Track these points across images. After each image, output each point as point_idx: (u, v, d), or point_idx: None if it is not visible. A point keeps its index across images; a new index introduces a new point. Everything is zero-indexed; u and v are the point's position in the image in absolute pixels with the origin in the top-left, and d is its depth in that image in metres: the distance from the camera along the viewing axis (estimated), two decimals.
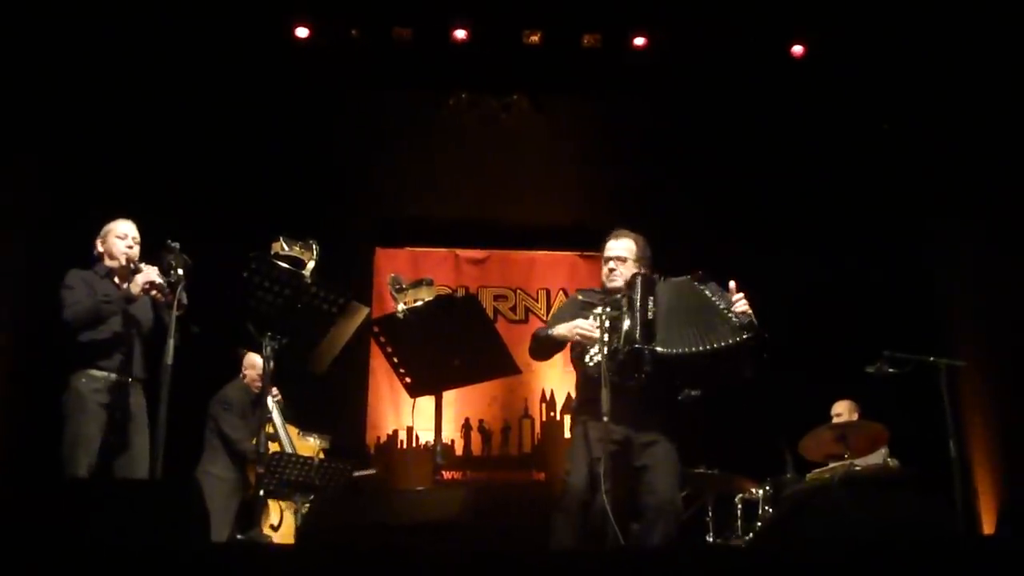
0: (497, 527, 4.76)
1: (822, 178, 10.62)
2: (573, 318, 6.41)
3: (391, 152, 10.86)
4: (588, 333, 6.22)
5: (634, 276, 6.36)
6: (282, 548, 7.26)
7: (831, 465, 8.56)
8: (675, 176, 10.71)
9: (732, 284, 6.36)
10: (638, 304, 6.13)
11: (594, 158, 11.04)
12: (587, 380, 6.30)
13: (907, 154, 10.63)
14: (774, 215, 10.67)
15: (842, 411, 8.96)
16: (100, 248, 6.98)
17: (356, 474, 8.72)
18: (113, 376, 6.68)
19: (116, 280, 6.89)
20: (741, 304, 6.26)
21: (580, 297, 6.81)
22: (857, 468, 8.16)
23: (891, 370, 7.98)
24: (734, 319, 6.19)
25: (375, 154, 10.85)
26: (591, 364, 6.22)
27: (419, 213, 11.60)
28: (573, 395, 6.82)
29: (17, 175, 9.65)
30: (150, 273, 6.64)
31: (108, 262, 6.92)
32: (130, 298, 6.74)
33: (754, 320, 6.25)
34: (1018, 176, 9.21)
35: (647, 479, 6.18)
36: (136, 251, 6.85)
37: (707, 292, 6.32)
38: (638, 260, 6.63)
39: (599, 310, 6.28)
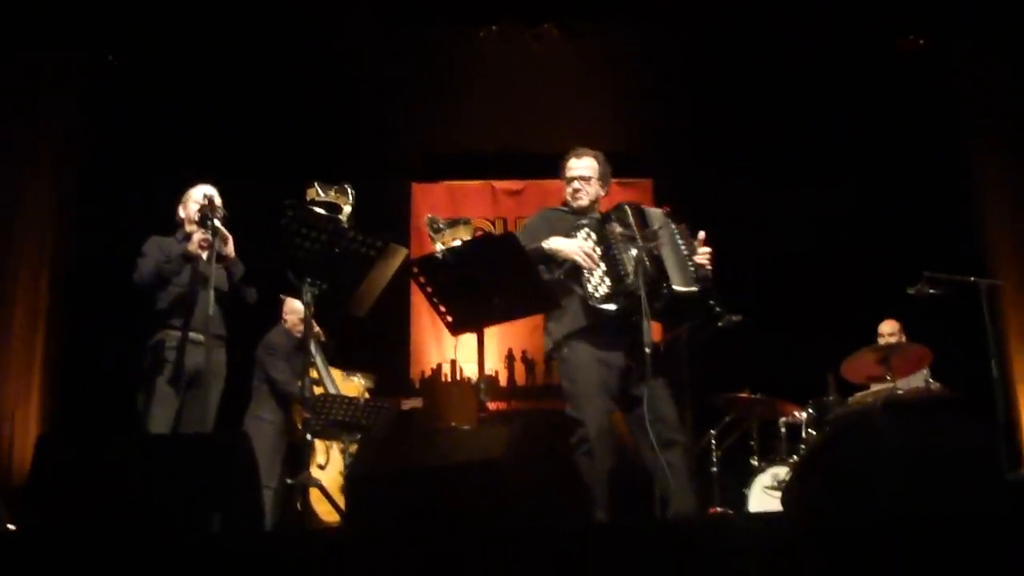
0: (541, 467, 4.78)
1: (865, 104, 10.51)
2: (551, 236, 6.33)
3: (424, 88, 10.84)
4: (591, 255, 6.16)
5: (624, 205, 6.34)
6: (325, 533, 7.35)
7: (873, 388, 8.57)
8: (710, 103, 10.64)
9: (701, 235, 6.34)
10: (639, 237, 6.11)
11: (626, 85, 10.96)
12: (584, 305, 6.24)
13: (945, 76, 10.52)
14: (813, 142, 10.57)
15: (890, 330, 8.94)
16: (181, 214, 7.10)
17: (403, 406, 8.78)
18: (185, 334, 6.74)
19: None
20: (703, 256, 6.26)
21: (552, 214, 6.74)
22: (899, 391, 8.16)
23: (932, 291, 7.94)
24: (691, 267, 6.21)
25: (408, 90, 10.83)
26: (597, 293, 6.16)
27: (454, 147, 11.62)
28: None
29: (59, 128, 9.80)
30: (203, 231, 6.74)
31: (188, 227, 7.02)
32: (188, 256, 6.82)
33: (709, 276, 6.25)
34: None
35: (652, 407, 6.04)
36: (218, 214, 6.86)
37: (676, 231, 6.32)
38: (601, 178, 6.62)
39: (583, 234, 6.27)
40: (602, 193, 6.64)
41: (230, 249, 6.64)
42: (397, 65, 10.65)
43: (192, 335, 6.74)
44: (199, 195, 6.94)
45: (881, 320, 8.98)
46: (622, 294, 6.06)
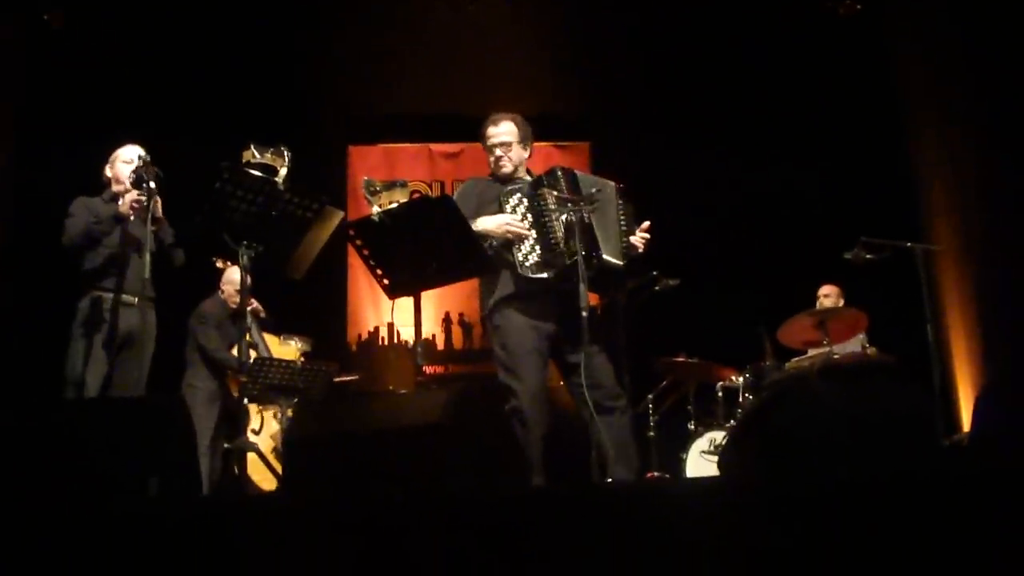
0: (479, 431, 4.77)
1: (803, 68, 10.53)
2: (479, 211, 6.29)
3: (361, 49, 10.76)
4: (519, 230, 6.12)
5: (556, 169, 6.32)
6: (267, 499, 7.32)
7: (810, 353, 8.64)
8: (648, 66, 10.63)
9: (646, 224, 6.36)
10: (569, 202, 6.09)
11: (564, 48, 10.94)
12: (514, 276, 6.20)
13: (882, 40, 10.57)
14: (752, 106, 10.58)
15: (827, 292, 9.01)
16: (108, 173, 7.00)
17: (338, 379, 8.77)
18: (118, 296, 6.70)
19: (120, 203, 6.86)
20: (638, 239, 6.28)
21: (476, 188, 6.65)
22: (836, 356, 8.22)
23: (868, 256, 7.98)
24: (623, 244, 6.22)
25: (343, 52, 10.75)
26: (527, 263, 6.12)
27: (391, 109, 11.56)
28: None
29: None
30: (134, 192, 6.63)
31: (115, 187, 6.93)
32: (119, 217, 6.72)
33: (635, 259, 6.29)
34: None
35: (589, 373, 6.05)
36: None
37: (620, 208, 6.32)
38: (522, 141, 6.53)
39: (514, 200, 6.24)
40: (525, 155, 6.54)
41: (159, 210, 6.55)
42: (333, 26, 10.57)
43: (125, 297, 6.70)
44: (127, 155, 6.88)
45: (819, 285, 9.04)
46: (552, 262, 6.04)
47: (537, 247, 6.10)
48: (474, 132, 11.35)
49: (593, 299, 6.28)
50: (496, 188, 6.44)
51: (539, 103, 10.91)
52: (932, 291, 8.20)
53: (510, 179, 6.45)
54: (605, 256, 6.06)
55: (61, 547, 3.53)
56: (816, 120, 10.54)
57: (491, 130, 6.56)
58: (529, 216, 6.16)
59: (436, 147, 11.81)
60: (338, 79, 10.92)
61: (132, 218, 6.73)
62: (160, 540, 3.56)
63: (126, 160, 6.86)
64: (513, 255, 6.18)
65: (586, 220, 6.07)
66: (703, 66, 10.53)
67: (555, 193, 6.15)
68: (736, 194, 10.12)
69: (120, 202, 6.77)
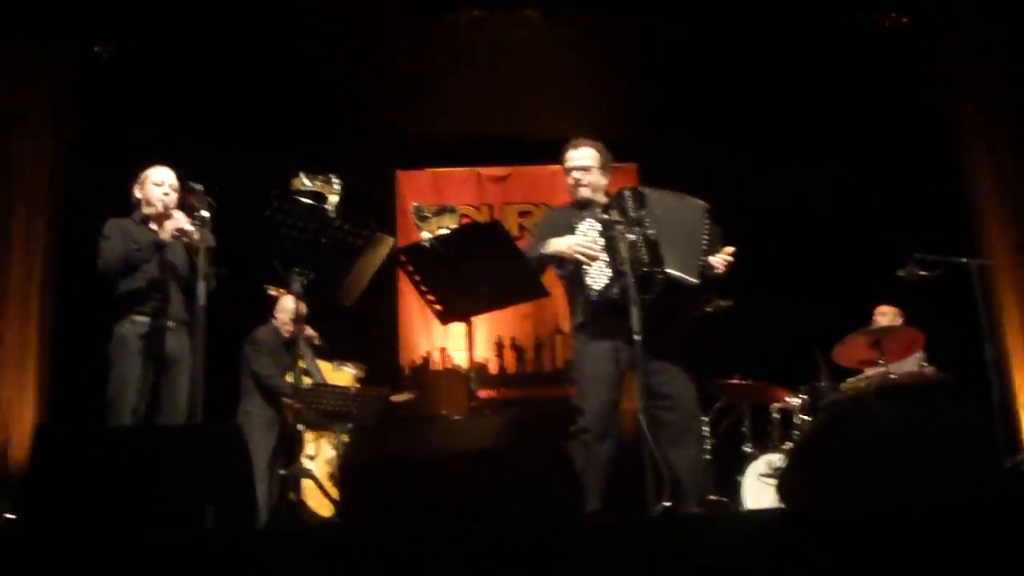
0: (533, 457, 4.75)
1: (853, 84, 10.46)
2: (556, 236, 6.33)
3: (408, 74, 10.76)
4: (588, 250, 6.15)
5: (623, 190, 6.29)
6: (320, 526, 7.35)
7: (866, 372, 8.56)
8: (695, 85, 10.57)
9: (730, 248, 6.34)
10: (635, 221, 6.07)
11: (609, 69, 10.89)
12: (587, 299, 6.25)
13: (932, 55, 10.50)
14: (801, 123, 10.51)
15: (886, 312, 8.93)
16: (138, 195, 6.96)
17: (393, 398, 8.78)
18: (153, 320, 6.69)
19: (152, 227, 6.85)
20: (718, 260, 6.26)
21: (555, 214, 6.76)
22: (892, 376, 8.14)
23: (922, 273, 7.92)
24: (700, 263, 6.20)
25: (391, 77, 10.75)
26: (595, 285, 6.15)
27: (438, 134, 11.55)
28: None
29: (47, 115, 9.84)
30: (179, 220, 6.64)
31: (145, 209, 6.89)
32: (160, 244, 6.71)
33: (713, 280, 6.30)
34: None
35: (666, 395, 6.14)
36: (173, 198, 6.82)
37: (705, 228, 6.30)
38: (602, 168, 6.56)
39: (585, 226, 6.25)
40: (603, 181, 6.55)
41: (211, 239, 6.51)
42: (380, 52, 10.59)
43: (162, 322, 6.68)
44: (158, 177, 6.88)
45: (872, 302, 8.97)
46: (619, 282, 6.02)
47: (606, 268, 6.09)
48: (521, 155, 11.50)
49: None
50: (571, 214, 6.48)
51: (587, 125, 10.80)
52: (989, 307, 8.11)
53: (587, 204, 6.45)
54: (669, 269, 6.02)
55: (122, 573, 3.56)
56: (866, 136, 10.46)
57: (571, 154, 6.60)
58: (600, 240, 6.15)
59: (484, 171, 11.81)
60: (385, 104, 10.93)
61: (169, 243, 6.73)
62: (217, 570, 3.57)
63: (156, 182, 6.86)
64: (582, 280, 6.22)
65: (651, 238, 6.05)
66: (750, 84, 10.47)
67: (616, 216, 6.13)
68: (787, 212, 10.06)
69: (159, 227, 6.76)
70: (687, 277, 6.10)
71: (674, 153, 10.64)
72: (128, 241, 6.76)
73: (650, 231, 6.06)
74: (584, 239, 6.19)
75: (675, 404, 6.14)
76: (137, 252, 6.70)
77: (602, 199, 6.48)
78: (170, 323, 6.73)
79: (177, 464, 4.53)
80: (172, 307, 6.75)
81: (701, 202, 6.39)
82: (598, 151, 6.57)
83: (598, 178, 6.52)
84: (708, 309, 7.53)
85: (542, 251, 6.34)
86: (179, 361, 6.72)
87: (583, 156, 6.55)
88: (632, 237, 6.02)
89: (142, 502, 4.33)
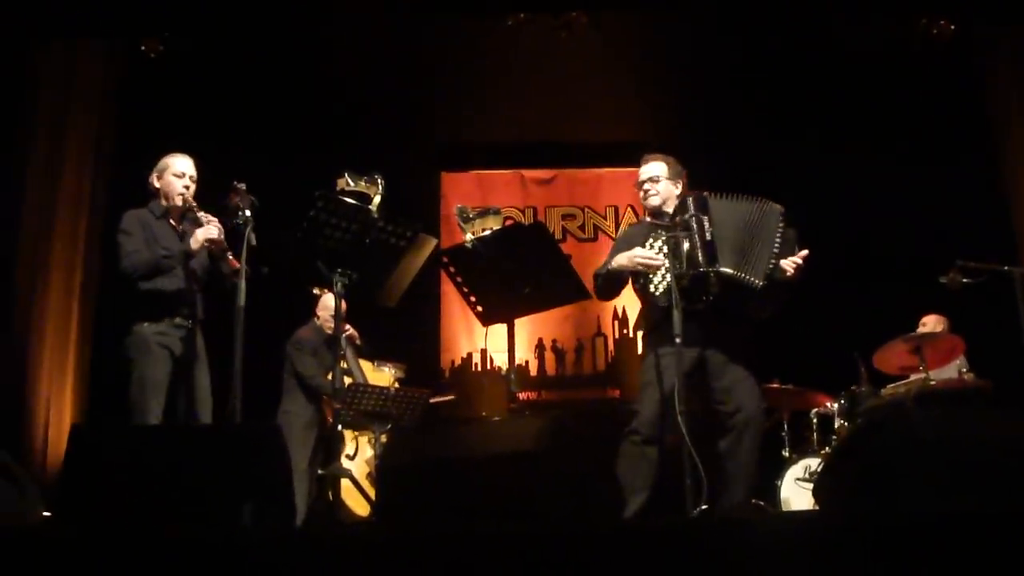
0: (571, 458, 4.78)
1: (895, 92, 10.43)
2: (628, 249, 6.38)
3: (453, 76, 10.79)
4: (649, 261, 6.20)
5: (684, 196, 6.39)
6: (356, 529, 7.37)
7: (906, 379, 8.53)
8: (740, 91, 10.56)
9: (804, 252, 6.35)
10: (695, 224, 6.13)
11: (654, 74, 10.88)
12: (653, 307, 6.31)
13: (975, 62, 10.48)
14: (844, 130, 10.46)
15: (927, 322, 8.90)
16: (156, 184, 6.82)
17: (434, 400, 8.80)
18: (176, 320, 6.63)
19: (172, 222, 6.79)
20: (789, 263, 6.27)
21: (630, 230, 6.86)
22: (932, 382, 8.11)
23: (965, 280, 7.90)
24: (771, 266, 6.21)
25: (437, 79, 10.78)
26: (657, 292, 6.20)
27: (483, 136, 11.57)
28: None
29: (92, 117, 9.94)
30: (211, 231, 6.54)
31: (164, 202, 6.78)
32: (190, 254, 6.64)
33: (786, 283, 6.29)
34: None
35: (732, 396, 6.21)
36: (192, 191, 6.74)
37: (778, 231, 6.33)
38: (672, 179, 6.60)
39: (652, 239, 6.29)
40: (675, 191, 6.57)
41: (253, 239, 6.40)
42: (426, 54, 10.62)
43: (180, 321, 6.63)
44: (179, 168, 6.76)
45: (914, 308, 8.93)
46: (677, 285, 6.05)
47: (668, 275, 6.12)
48: (566, 158, 11.52)
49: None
50: (644, 229, 6.55)
51: (630, 130, 10.92)
52: None
53: (659, 214, 6.51)
54: (722, 268, 6.08)
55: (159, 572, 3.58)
56: (911, 142, 10.41)
57: (642, 168, 6.68)
58: (664, 248, 6.19)
59: (528, 173, 11.82)
60: (430, 106, 10.96)
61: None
62: (253, 569, 3.60)
63: (177, 173, 6.74)
64: (647, 289, 6.28)
65: (707, 239, 6.11)
66: (794, 91, 10.45)
67: (678, 220, 6.25)
68: (828, 219, 10.01)
69: (175, 222, 6.76)
70: (747, 277, 6.13)
71: (717, 160, 10.63)
72: (152, 242, 6.65)
73: (708, 233, 6.11)
74: (647, 251, 6.24)
75: (737, 409, 6.19)
76: (167, 259, 6.61)
77: (671, 209, 6.53)
78: (189, 323, 6.68)
79: (215, 463, 4.56)
80: (187, 307, 6.69)
81: (777, 206, 6.42)
82: (667, 163, 6.63)
83: (668, 188, 6.56)
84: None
85: (609, 267, 6.41)
86: (195, 360, 6.68)
87: (651, 169, 6.61)
88: (687, 243, 6.10)
89: (179, 501, 4.37)
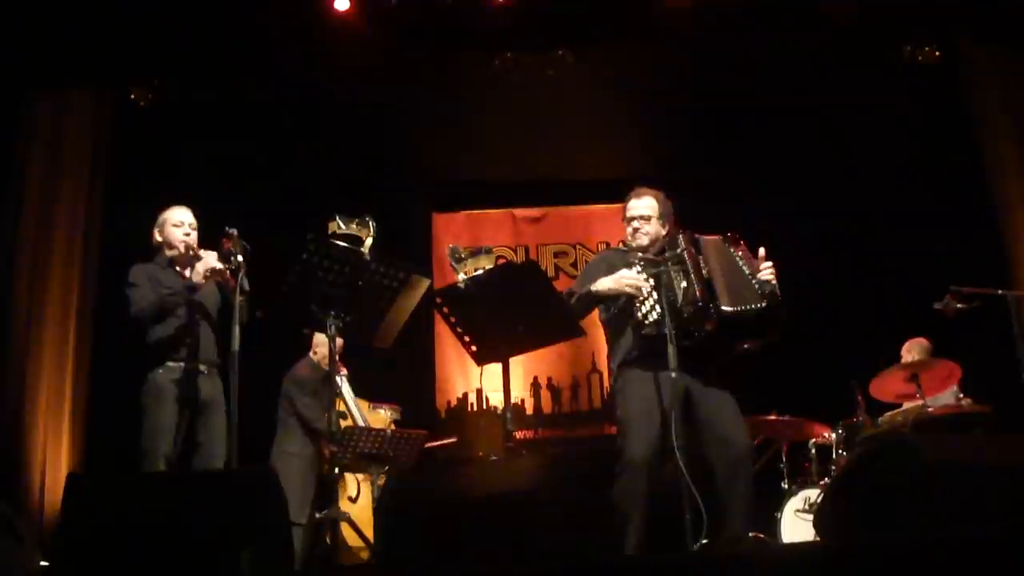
0: (569, 496, 4.77)
1: (885, 117, 10.45)
2: (609, 275, 6.37)
3: (441, 117, 10.81)
4: (637, 283, 6.21)
5: (678, 234, 6.38)
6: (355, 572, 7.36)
7: (904, 407, 8.53)
8: (729, 124, 10.58)
9: (762, 251, 6.39)
10: (690, 263, 6.14)
11: (643, 110, 10.92)
12: (636, 336, 6.29)
13: (965, 86, 10.52)
14: (835, 157, 10.48)
15: (910, 348, 8.91)
16: (158, 238, 6.98)
17: (431, 445, 8.76)
18: (186, 365, 6.68)
19: (178, 268, 6.90)
20: (767, 273, 6.29)
21: (610, 255, 6.82)
22: (929, 409, 8.10)
23: (959, 306, 7.90)
24: (756, 286, 6.23)
25: (425, 119, 10.81)
26: (647, 321, 6.19)
27: (473, 176, 11.58)
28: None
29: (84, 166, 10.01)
30: (209, 260, 6.66)
31: (168, 252, 6.91)
32: (193, 287, 6.75)
33: (776, 291, 6.27)
34: None
35: (719, 431, 6.16)
36: (194, 237, 6.86)
37: (737, 255, 6.35)
38: (661, 217, 6.60)
39: (638, 268, 6.29)
40: (662, 232, 6.59)
41: (246, 284, 6.49)
42: (413, 95, 10.66)
43: (195, 365, 6.69)
44: (177, 218, 6.91)
45: (910, 337, 8.93)
46: (668, 320, 6.06)
47: (657, 307, 6.13)
48: (556, 196, 11.53)
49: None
50: (625, 256, 6.53)
51: (620, 167, 10.93)
52: None
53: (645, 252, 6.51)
54: (723, 307, 6.06)
55: None
56: (901, 169, 10.44)
57: (632, 203, 6.67)
58: (651, 280, 6.22)
59: (519, 212, 11.82)
60: (420, 146, 10.96)
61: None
62: None
63: (176, 223, 6.89)
64: (633, 315, 6.27)
65: (705, 276, 6.12)
66: (784, 119, 10.46)
67: (667, 254, 6.28)
68: (821, 248, 10.02)
69: (191, 270, 6.80)
70: (746, 307, 6.13)
71: (707, 195, 10.64)
72: (159, 287, 6.78)
73: (704, 271, 6.13)
74: (633, 274, 6.25)
75: (727, 441, 6.14)
76: (171, 296, 6.73)
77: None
78: (203, 367, 6.74)
79: (211, 510, 4.55)
80: (204, 350, 6.76)
81: (718, 237, 6.45)
82: (658, 201, 6.63)
83: (657, 228, 6.57)
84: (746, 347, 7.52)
85: (592, 288, 6.38)
86: (212, 404, 6.72)
87: (644, 206, 6.60)
88: (684, 279, 6.14)
89: (176, 549, 4.35)
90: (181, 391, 6.65)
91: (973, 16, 10.15)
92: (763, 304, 6.17)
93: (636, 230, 6.56)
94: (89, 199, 10.23)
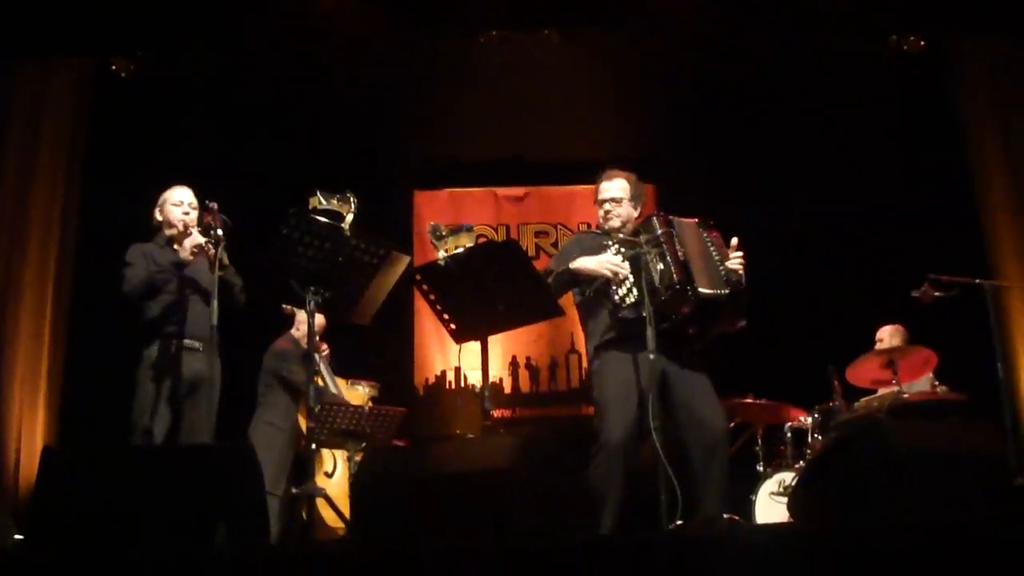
0: (545, 475, 4.77)
1: (866, 106, 10.46)
2: (584, 256, 6.40)
3: (426, 94, 10.79)
4: (617, 268, 6.23)
5: (652, 216, 6.43)
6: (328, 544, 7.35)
7: (879, 392, 8.56)
8: (712, 107, 10.57)
9: (734, 241, 6.42)
10: (667, 245, 6.18)
11: (628, 91, 10.91)
12: (613, 318, 6.32)
13: (947, 77, 10.55)
14: (816, 144, 10.48)
15: (884, 337, 8.94)
16: (159, 217, 6.99)
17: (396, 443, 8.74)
18: (178, 342, 6.69)
19: (176, 248, 6.88)
20: (736, 262, 6.32)
21: (584, 237, 6.88)
22: (905, 395, 8.14)
23: (936, 294, 7.93)
24: (722, 272, 6.26)
25: (409, 97, 10.78)
26: (625, 304, 6.22)
27: (456, 154, 11.57)
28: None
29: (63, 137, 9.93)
30: (196, 237, 6.65)
31: (167, 231, 6.92)
32: (180, 264, 6.74)
33: (742, 280, 6.31)
34: None
35: (695, 413, 6.20)
36: (193, 216, 6.83)
37: (709, 240, 6.39)
38: (633, 199, 6.64)
39: (614, 249, 6.33)
40: (634, 213, 6.63)
41: (226, 258, 6.53)
42: (398, 72, 10.63)
43: (189, 342, 6.70)
44: (177, 197, 6.92)
45: (887, 323, 8.96)
46: (645, 302, 6.08)
47: (635, 289, 6.17)
48: (539, 175, 11.50)
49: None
50: (599, 238, 6.56)
51: (604, 147, 10.90)
52: (1002, 328, 8.11)
53: (616, 234, 6.52)
54: (700, 289, 6.09)
55: None
56: (882, 157, 10.45)
57: (603, 185, 6.70)
58: (627, 263, 6.25)
59: (501, 191, 11.81)
60: (403, 124, 10.93)
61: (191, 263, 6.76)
62: None
63: (175, 203, 6.90)
64: (611, 297, 6.29)
65: (681, 258, 6.15)
66: (767, 106, 10.46)
67: (645, 238, 6.29)
68: (802, 233, 10.04)
69: (179, 247, 6.81)
70: (719, 291, 6.18)
71: (691, 176, 10.65)
72: (152, 265, 6.79)
73: (680, 253, 6.16)
74: (615, 258, 6.27)
75: (703, 424, 6.18)
76: (159, 274, 6.74)
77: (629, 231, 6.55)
78: (196, 343, 6.73)
79: (188, 483, 4.56)
80: (197, 326, 6.72)
81: (693, 221, 6.50)
82: (630, 183, 6.66)
83: (628, 210, 6.60)
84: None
85: (571, 265, 6.40)
86: (204, 381, 6.71)
87: (615, 188, 6.63)
88: (660, 262, 6.15)
89: (150, 523, 4.35)
90: (172, 367, 6.64)
91: (958, 6, 10.16)
92: (726, 291, 6.20)
93: (608, 212, 6.60)
94: (67, 172, 10.17)
